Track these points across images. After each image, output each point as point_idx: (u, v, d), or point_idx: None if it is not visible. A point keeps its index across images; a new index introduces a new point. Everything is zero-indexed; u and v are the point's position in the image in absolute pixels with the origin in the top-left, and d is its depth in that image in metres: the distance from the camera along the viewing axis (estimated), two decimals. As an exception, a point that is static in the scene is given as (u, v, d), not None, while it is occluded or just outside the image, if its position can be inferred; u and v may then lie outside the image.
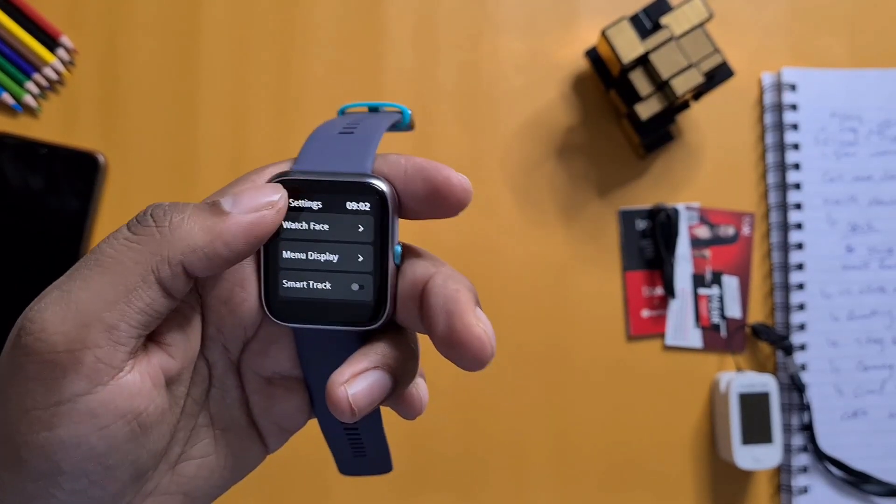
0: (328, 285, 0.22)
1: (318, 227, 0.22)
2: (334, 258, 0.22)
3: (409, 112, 0.25)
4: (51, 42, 0.57)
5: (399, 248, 0.22)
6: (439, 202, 0.22)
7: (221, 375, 0.24)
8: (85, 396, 0.19)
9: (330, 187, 0.21)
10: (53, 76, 0.57)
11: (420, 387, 0.24)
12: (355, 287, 0.22)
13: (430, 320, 0.20)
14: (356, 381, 0.21)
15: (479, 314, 0.20)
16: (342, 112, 0.25)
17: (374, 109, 0.25)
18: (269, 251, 0.22)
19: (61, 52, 0.57)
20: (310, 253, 0.22)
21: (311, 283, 0.22)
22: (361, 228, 0.21)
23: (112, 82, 0.58)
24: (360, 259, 0.22)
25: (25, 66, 0.57)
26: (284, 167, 0.22)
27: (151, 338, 0.21)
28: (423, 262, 0.22)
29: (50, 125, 0.58)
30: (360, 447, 0.26)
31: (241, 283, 0.22)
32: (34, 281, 0.56)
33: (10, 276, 0.56)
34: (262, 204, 0.21)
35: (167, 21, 0.59)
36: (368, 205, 0.21)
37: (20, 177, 0.56)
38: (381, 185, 0.21)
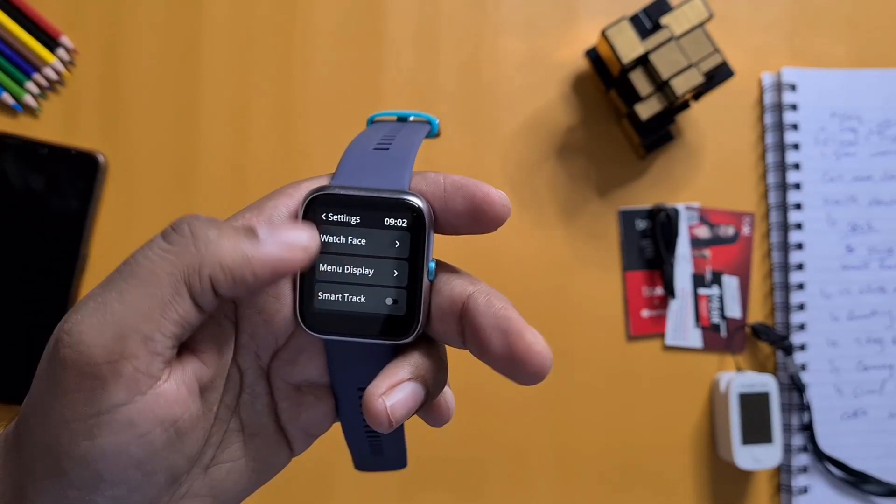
0: (363, 299, 0.22)
1: (355, 241, 0.22)
2: (370, 272, 0.22)
3: (437, 121, 0.25)
4: (51, 42, 0.57)
5: (433, 265, 0.23)
6: (479, 218, 0.22)
7: (252, 382, 0.24)
8: (124, 406, 0.19)
9: (368, 203, 0.22)
10: (53, 76, 0.57)
11: (448, 396, 0.25)
12: (389, 301, 0.22)
13: (482, 340, 0.21)
14: (393, 392, 0.21)
15: (533, 331, 0.21)
16: (371, 121, 0.26)
17: (402, 119, 0.26)
18: None
19: (61, 52, 0.58)
20: (346, 267, 0.22)
21: (346, 296, 0.22)
22: (397, 244, 0.22)
23: (112, 82, 0.58)
24: (395, 274, 0.22)
25: (25, 66, 0.57)
26: (322, 182, 0.23)
27: (186, 346, 0.22)
28: (459, 280, 0.23)
29: (50, 125, 0.58)
30: (380, 447, 0.27)
31: (276, 294, 0.22)
32: (34, 281, 0.56)
33: (10, 276, 0.56)
34: (296, 245, 0.21)
35: (168, 21, 0.59)
36: (405, 221, 0.22)
37: (20, 177, 0.56)
38: (418, 203, 0.22)
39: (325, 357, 0.24)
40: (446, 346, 0.24)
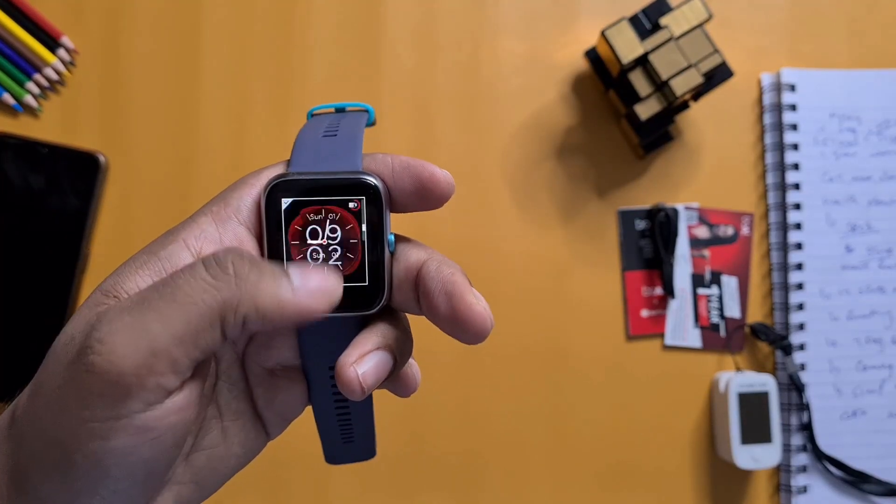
0: None
1: (317, 221, 0.23)
2: (333, 250, 0.23)
3: (373, 110, 0.27)
4: (51, 42, 0.58)
5: (392, 237, 0.24)
6: (425, 196, 0.24)
7: (227, 369, 0.25)
8: (141, 413, 0.20)
9: (326, 185, 0.23)
10: (54, 76, 0.57)
11: (413, 366, 0.27)
12: (354, 275, 0.24)
13: (430, 303, 0.23)
14: (363, 361, 0.23)
15: (475, 293, 0.23)
16: (311, 114, 0.27)
17: (340, 110, 0.27)
18: (273, 247, 0.23)
19: (62, 52, 0.58)
20: (311, 246, 0.23)
21: None
22: (357, 221, 0.23)
23: (113, 82, 0.59)
24: (358, 249, 0.23)
25: (26, 66, 0.57)
26: (279, 169, 0.24)
27: None
28: (415, 250, 0.24)
29: (51, 125, 0.58)
30: (350, 433, 0.28)
31: None
32: (35, 280, 0.56)
33: (11, 276, 0.56)
34: (324, 294, 0.22)
35: (168, 21, 0.59)
36: (363, 199, 0.23)
37: (21, 177, 0.56)
38: (374, 181, 0.23)
39: (297, 338, 0.25)
40: (409, 320, 0.26)
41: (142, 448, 0.20)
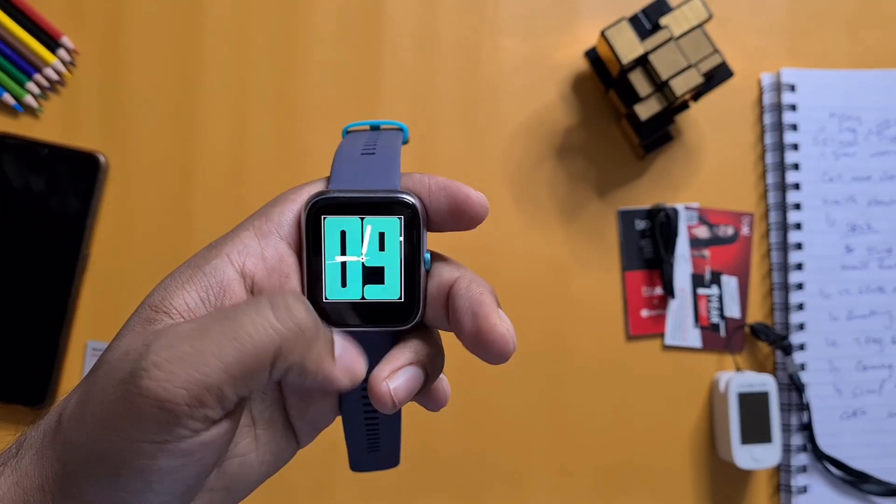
0: (366, 291, 0.24)
1: (356, 238, 0.24)
2: (371, 266, 0.24)
3: (408, 129, 0.28)
4: (52, 42, 0.58)
5: (429, 255, 0.25)
6: (459, 217, 0.24)
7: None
8: (188, 439, 0.21)
9: (366, 203, 0.24)
10: (54, 76, 0.57)
11: (444, 381, 0.27)
12: (390, 291, 0.24)
13: (457, 321, 0.23)
14: (396, 376, 0.23)
15: (501, 314, 0.23)
16: (346, 131, 0.27)
17: (375, 128, 0.27)
18: (312, 263, 0.24)
19: (62, 52, 0.58)
20: (349, 263, 0.24)
21: (350, 290, 0.24)
22: (395, 239, 0.24)
23: (113, 82, 0.59)
24: (395, 266, 0.24)
25: (26, 66, 0.57)
26: (319, 186, 0.25)
27: None
28: (448, 267, 0.25)
29: (51, 125, 0.58)
30: (376, 442, 0.28)
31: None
32: (35, 281, 0.56)
33: (11, 276, 0.56)
34: (353, 376, 0.23)
35: (168, 21, 0.59)
36: (401, 218, 0.24)
37: (21, 177, 0.56)
38: (412, 200, 0.24)
39: None
40: (441, 336, 0.26)
41: (185, 469, 0.21)
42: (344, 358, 0.23)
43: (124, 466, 0.21)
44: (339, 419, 0.28)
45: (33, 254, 0.56)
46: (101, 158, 0.57)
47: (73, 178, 0.57)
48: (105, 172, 0.58)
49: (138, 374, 0.20)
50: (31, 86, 0.57)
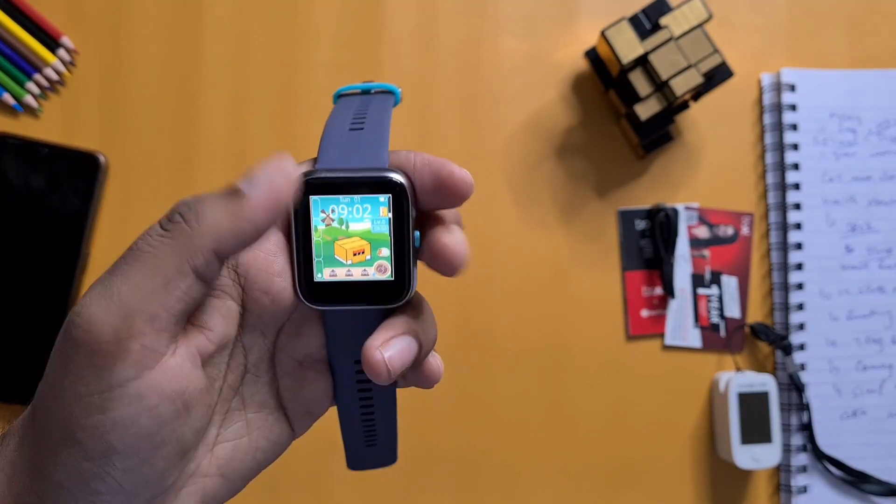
0: (356, 269, 0.24)
1: (345, 217, 0.24)
2: (361, 245, 0.24)
3: (399, 91, 0.27)
4: (52, 42, 0.58)
5: (417, 233, 0.24)
6: (444, 194, 0.24)
7: (256, 361, 0.25)
8: (134, 381, 0.20)
9: (354, 182, 0.24)
10: (54, 76, 0.57)
11: (436, 357, 0.27)
12: (380, 269, 0.24)
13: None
14: (389, 345, 0.23)
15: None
16: (337, 96, 0.27)
17: (366, 91, 0.27)
18: (301, 243, 0.24)
19: (62, 52, 0.58)
20: (338, 241, 0.24)
21: (340, 268, 0.24)
22: (384, 217, 0.24)
23: (113, 82, 0.59)
24: (384, 244, 0.24)
25: (26, 66, 0.57)
26: (307, 166, 0.25)
27: (191, 321, 0.23)
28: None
29: (51, 125, 0.58)
30: (373, 434, 0.28)
31: (280, 273, 0.24)
32: (35, 280, 0.56)
33: (11, 276, 0.56)
34: (277, 179, 0.22)
35: (168, 21, 0.59)
36: (389, 196, 0.24)
37: (21, 177, 0.56)
38: (400, 178, 0.24)
39: (323, 330, 0.25)
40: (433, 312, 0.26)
41: (141, 419, 0.21)
42: (256, 180, 0.21)
43: (78, 427, 0.20)
44: (337, 420, 0.27)
45: (33, 253, 0.56)
46: (101, 158, 0.57)
47: (73, 178, 0.57)
48: (105, 172, 0.58)
49: (67, 329, 0.21)
50: (31, 86, 0.57)
